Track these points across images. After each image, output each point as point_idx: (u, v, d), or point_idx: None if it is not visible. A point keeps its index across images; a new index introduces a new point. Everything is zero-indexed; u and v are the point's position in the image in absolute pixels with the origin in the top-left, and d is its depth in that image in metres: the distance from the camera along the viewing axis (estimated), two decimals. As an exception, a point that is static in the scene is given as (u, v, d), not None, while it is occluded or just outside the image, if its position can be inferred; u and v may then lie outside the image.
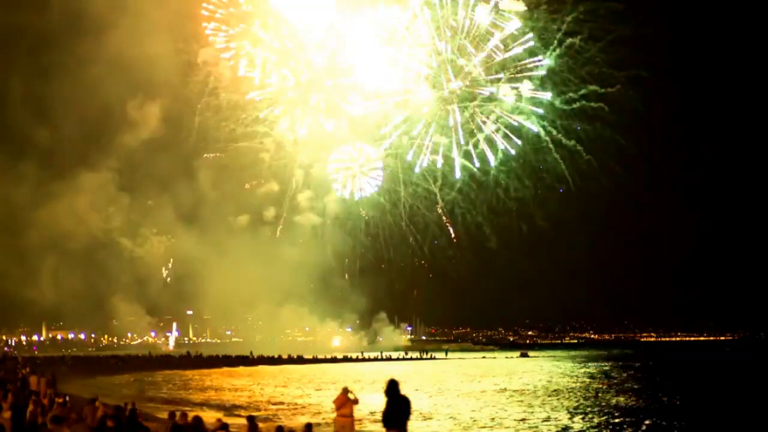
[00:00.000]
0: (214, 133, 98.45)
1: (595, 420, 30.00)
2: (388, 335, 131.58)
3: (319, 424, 25.05)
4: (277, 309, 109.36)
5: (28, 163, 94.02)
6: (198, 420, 16.00)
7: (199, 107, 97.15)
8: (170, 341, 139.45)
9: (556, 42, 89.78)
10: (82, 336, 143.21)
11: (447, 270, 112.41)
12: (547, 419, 30.28)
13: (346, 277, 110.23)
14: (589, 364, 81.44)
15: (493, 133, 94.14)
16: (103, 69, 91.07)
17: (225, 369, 77.65)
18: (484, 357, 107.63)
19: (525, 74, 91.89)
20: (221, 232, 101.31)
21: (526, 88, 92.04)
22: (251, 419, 16.89)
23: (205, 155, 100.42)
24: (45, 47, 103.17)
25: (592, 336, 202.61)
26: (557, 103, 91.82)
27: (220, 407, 35.55)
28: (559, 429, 27.48)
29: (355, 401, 17.01)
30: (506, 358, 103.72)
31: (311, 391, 46.89)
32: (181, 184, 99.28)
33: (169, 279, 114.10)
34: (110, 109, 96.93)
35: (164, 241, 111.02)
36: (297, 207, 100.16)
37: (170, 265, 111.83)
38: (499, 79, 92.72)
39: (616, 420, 30.15)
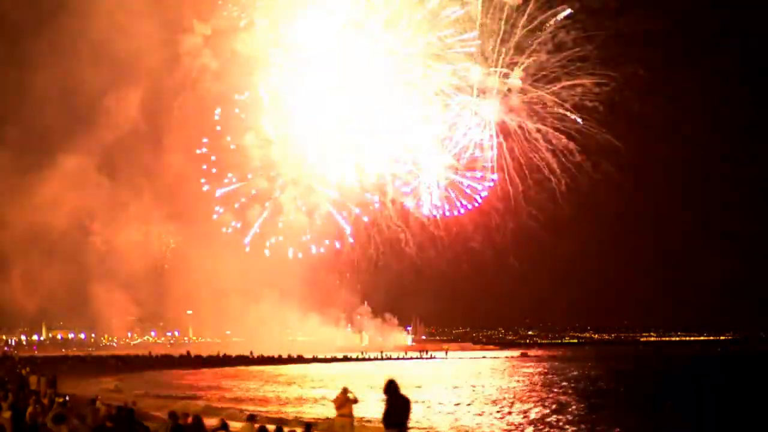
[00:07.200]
0: (196, 126, 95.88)
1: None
2: (375, 329, 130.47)
3: (318, 425, 24.99)
4: (256, 304, 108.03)
5: (5, 154, 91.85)
6: (198, 419, 16.01)
7: (181, 99, 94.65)
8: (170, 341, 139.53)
9: (549, 37, 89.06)
10: (82, 336, 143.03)
11: (441, 269, 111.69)
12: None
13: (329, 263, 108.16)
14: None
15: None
16: (82, 58, 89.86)
17: (227, 369, 77.64)
18: (484, 357, 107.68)
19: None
20: (205, 229, 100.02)
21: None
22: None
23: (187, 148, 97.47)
24: (22, 35, 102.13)
25: (593, 336, 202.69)
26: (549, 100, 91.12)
27: (219, 407, 35.52)
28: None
29: (355, 401, 17.03)
30: (506, 357, 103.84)
31: (311, 390, 46.85)
32: (165, 179, 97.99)
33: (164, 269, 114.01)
34: (89, 99, 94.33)
35: (154, 237, 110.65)
36: (283, 206, 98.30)
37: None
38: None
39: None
